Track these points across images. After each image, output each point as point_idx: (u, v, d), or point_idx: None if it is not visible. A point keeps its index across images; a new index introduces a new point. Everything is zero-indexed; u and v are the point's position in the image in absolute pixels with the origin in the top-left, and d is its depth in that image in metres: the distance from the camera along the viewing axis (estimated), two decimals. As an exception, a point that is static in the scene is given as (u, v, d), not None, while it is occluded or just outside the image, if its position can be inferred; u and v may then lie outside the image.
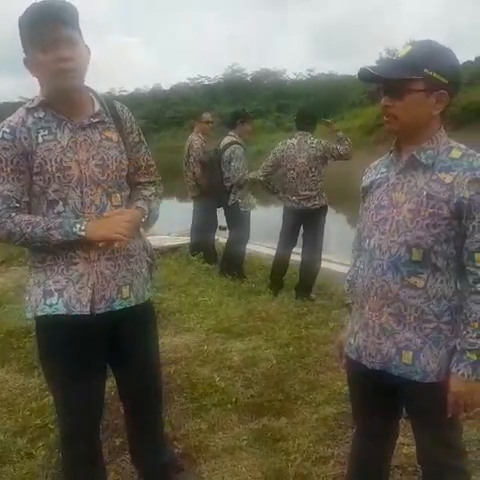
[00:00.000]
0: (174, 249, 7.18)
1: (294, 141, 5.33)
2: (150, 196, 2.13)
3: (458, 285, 1.65)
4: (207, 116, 6.86)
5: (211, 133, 6.94)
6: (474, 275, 1.59)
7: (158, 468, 2.32)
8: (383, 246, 1.68)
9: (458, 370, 1.61)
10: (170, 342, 3.91)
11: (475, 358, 1.59)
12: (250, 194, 6.00)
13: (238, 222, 5.98)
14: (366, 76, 1.64)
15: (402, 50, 1.63)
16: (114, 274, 1.97)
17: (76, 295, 1.90)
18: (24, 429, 2.82)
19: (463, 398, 1.62)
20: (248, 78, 54.75)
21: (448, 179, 1.59)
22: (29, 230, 1.84)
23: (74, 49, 1.82)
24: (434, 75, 1.58)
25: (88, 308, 1.91)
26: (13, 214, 1.85)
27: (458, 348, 1.62)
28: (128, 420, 2.36)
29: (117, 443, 2.66)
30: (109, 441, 2.64)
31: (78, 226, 1.85)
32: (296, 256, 5.61)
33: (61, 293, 1.90)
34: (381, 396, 1.81)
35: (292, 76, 54.80)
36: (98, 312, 1.93)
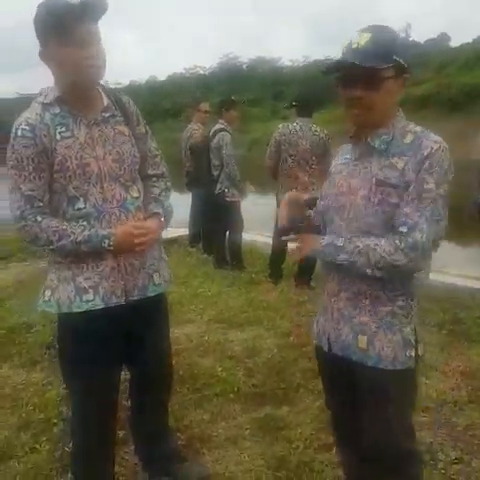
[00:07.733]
0: (173, 241, 7.16)
1: (297, 127, 5.17)
2: (160, 194, 2.16)
3: None
4: (205, 106, 6.89)
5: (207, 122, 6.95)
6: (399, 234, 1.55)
7: (161, 459, 2.34)
8: (342, 232, 1.68)
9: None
10: (171, 333, 3.90)
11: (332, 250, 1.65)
12: (247, 182, 5.95)
13: (224, 212, 5.87)
14: (344, 66, 1.55)
15: (360, 37, 1.56)
16: (142, 263, 2.03)
17: (110, 288, 1.95)
18: (28, 424, 2.83)
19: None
20: (244, 66, 54.34)
21: (400, 164, 1.58)
22: (55, 238, 1.87)
23: (100, 46, 1.85)
24: (400, 61, 1.57)
25: (123, 298, 1.97)
26: (39, 218, 1.87)
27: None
28: (133, 409, 2.38)
29: (120, 435, 2.66)
30: (112, 433, 2.64)
31: (106, 241, 1.90)
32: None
33: (96, 289, 1.94)
34: (346, 382, 1.78)
35: (288, 63, 54.42)
36: (132, 299, 2.00)
